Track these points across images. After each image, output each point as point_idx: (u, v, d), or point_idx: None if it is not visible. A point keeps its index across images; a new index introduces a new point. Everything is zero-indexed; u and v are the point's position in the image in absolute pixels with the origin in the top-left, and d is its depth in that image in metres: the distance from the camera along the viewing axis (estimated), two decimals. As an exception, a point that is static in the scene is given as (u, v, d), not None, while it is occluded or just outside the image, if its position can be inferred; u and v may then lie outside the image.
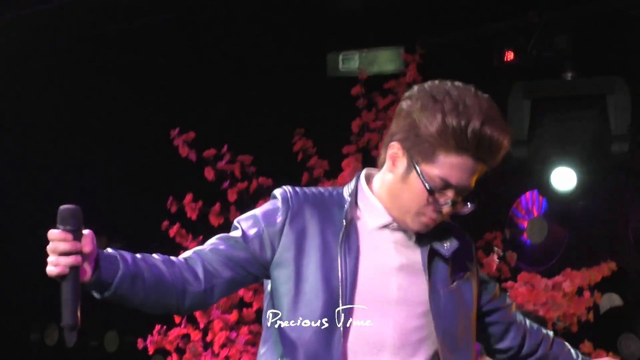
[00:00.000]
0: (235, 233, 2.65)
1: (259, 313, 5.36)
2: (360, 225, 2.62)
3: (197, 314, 5.44)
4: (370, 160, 5.38)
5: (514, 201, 6.27)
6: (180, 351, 5.45)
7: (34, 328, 7.08)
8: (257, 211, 2.67)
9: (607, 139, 5.53)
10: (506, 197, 6.22)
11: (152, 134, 5.84)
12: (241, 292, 5.42)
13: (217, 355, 5.40)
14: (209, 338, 5.44)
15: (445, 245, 2.66)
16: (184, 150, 5.42)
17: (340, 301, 2.54)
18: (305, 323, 2.56)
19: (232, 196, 5.43)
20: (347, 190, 2.68)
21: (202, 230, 5.55)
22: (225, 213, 5.46)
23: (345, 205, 2.62)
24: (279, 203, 2.63)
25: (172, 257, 2.64)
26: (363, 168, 5.59)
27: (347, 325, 2.55)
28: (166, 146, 5.48)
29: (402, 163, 2.57)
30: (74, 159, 6.33)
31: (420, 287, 2.61)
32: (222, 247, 2.63)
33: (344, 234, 2.58)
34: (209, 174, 5.40)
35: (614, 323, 5.93)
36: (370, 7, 5.86)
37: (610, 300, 6.05)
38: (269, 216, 2.63)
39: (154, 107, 6.37)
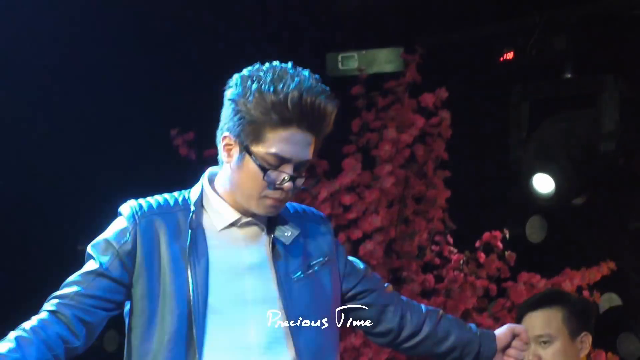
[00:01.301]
0: (92, 265, 2.61)
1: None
2: (207, 229, 2.61)
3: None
4: (370, 160, 5.38)
5: (512, 202, 6.27)
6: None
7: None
8: (107, 233, 2.64)
9: (597, 139, 5.55)
10: (506, 197, 6.22)
11: (152, 134, 5.84)
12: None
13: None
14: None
15: (286, 233, 2.62)
16: (183, 149, 5.42)
17: (193, 311, 2.51)
18: (160, 340, 2.53)
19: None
20: (190, 195, 2.67)
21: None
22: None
23: (191, 214, 2.60)
24: (126, 221, 2.62)
25: (31, 327, 2.56)
26: (363, 168, 5.61)
27: (204, 333, 2.52)
28: (166, 146, 5.48)
29: (236, 151, 2.58)
30: (74, 159, 6.32)
31: (272, 282, 2.59)
32: (85, 289, 2.58)
33: (190, 243, 2.56)
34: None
35: (613, 323, 5.93)
36: (369, 7, 5.86)
37: (610, 300, 6.05)
38: (119, 237, 2.61)
39: (153, 106, 6.36)
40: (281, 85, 2.51)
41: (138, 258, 2.57)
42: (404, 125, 5.22)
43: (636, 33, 5.53)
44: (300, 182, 2.57)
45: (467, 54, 6.03)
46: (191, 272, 2.53)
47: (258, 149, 2.53)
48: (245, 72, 2.60)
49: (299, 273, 2.61)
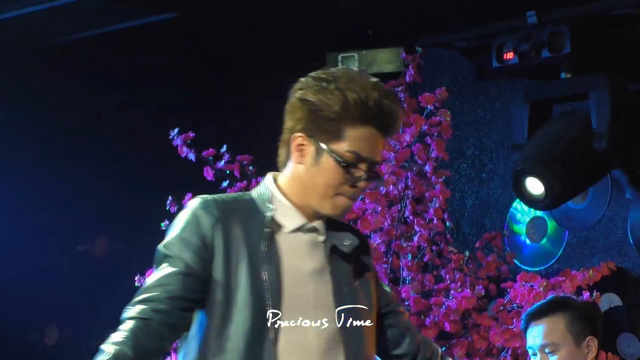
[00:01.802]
0: (174, 265, 2.59)
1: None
2: (278, 230, 2.64)
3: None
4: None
5: (512, 202, 6.26)
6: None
7: (32, 328, 7.08)
8: (181, 231, 2.63)
9: (589, 138, 5.55)
10: (506, 197, 6.22)
11: (152, 134, 5.84)
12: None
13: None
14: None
15: (345, 242, 2.68)
16: (182, 150, 5.42)
17: (268, 310, 2.55)
18: (235, 332, 2.55)
19: (231, 196, 5.43)
20: (259, 196, 2.68)
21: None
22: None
23: (267, 213, 2.62)
24: (200, 216, 2.62)
25: (126, 340, 2.56)
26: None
27: (277, 333, 2.56)
28: (166, 146, 5.47)
29: (310, 150, 2.61)
30: (74, 159, 6.32)
31: (329, 288, 2.65)
32: (174, 291, 2.57)
33: (265, 242, 2.59)
34: (208, 174, 5.40)
35: (613, 323, 5.93)
36: (370, 7, 5.86)
37: (610, 301, 6.05)
38: (195, 232, 2.61)
39: (153, 107, 6.37)
40: (360, 85, 2.57)
41: (215, 252, 2.58)
42: (404, 125, 5.21)
43: (635, 33, 5.53)
44: (372, 181, 2.62)
45: (467, 55, 6.03)
46: (267, 271, 2.56)
47: (336, 147, 2.58)
48: (314, 74, 2.66)
49: (352, 281, 2.67)
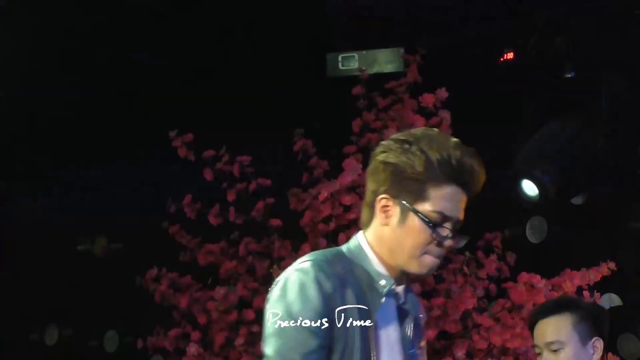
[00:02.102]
0: (310, 339, 2.58)
1: (259, 313, 5.36)
2: (378, 291, 2.68)
3: (197, 314, 5.44)
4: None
5: (513, 202, 6.27)
6: (180, 351, 5.46)
7: (33, 328, 7.08)
8: (304, 297, 2.60)
9: (595, 138, 5.56)
10: (506, 197, 6.22)
11: (152, 135, 5.84)
12: (241, 292, 5.43)
13: (217, 355, 5.40)
14: (208, 338, 5.45)
15: (421, 315, 2.80)
16: (182, 151, 5.42)
17: None
18: None
19: (231, 196, 5.44)
20: (355, 257, 2.70)
21: (201, 229, 5.56)
22: (224, 213, 5.47)
23: (383, 283, 2.65)
24: (324, 282, 2.60)
25: None
26: (363, 168, 5.60)
27: None
28: (166, 146, 5.48)
29: (395, 211, 2.65)
30: (74, 160, 6.33)
31: (400, 356, 2.72)
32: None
33: (375, 306, 2.64)
34: (208, 174, 5.41)
35: (613, 323, 5.93)
36: (370, 7, 5.86)
37: (610, 301, 6.05)
38: (319, 301, 2.59)
39: (153, 108, 6.37)
40: (442, 146, 2.63)
41: (335, 321, 2.60)
42: (405, 125, 5.21)
43: (636, 33, 5.54)
44: (457, 240, 2.67)
45: (467, 54, 6.03)
46: (373, 339, 2.63)
47: (421, 207, 2.62)
48: (395, 137, 2.70)
49: (413, 351, 2.75)
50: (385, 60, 5.99)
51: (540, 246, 6.31)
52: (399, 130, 5.25)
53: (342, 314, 2.59)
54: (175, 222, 5.53)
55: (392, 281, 2.67)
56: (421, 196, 2.62)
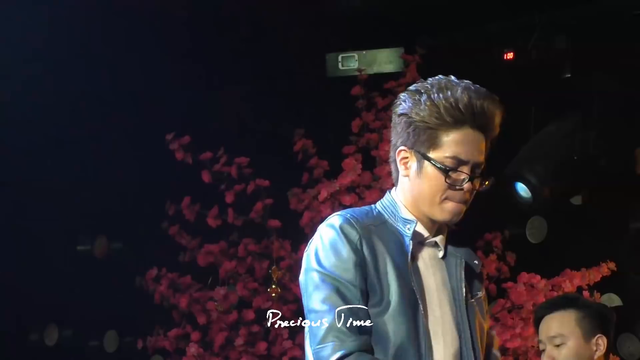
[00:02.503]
0: (344, 290, 2.64)
1: (258, 313, 5.37)
2: (412, 241, 2.73)
3: (197, 314, 5.45)
4: (371, 160, 5.38)
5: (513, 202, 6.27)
6: (180, 351, 5.46)
7: (33, 328, 7.08)
8: (335, 251, 2.67)
9: (594, 139, 5.57)
10: (506, 198, 6.22)
11: (152, 136, 5.84)
12: (241, 292, 5.43)
13: (217, 355, 5.40)
14: (208, 338, 5.45)
15: (475, 261, 2.82)
16: (179, 154, 5.42)
17: (421, 324, 2.65)
18: (384, 352, 2.63)
19: (229, 198, 5.44)
20: (385, 209, 2.77)
21: (201, 230, 5.56)
22: (223, 215, 5.48)
23: (408, 227, 2.71)
24: (348, 233, 2.68)
25: None
26: (363, 168, 5.60)
27: (430, 347, 2.66)
28: (165, 148, 5.48)
29: (413, 161, 2.72)
30: (74, 160, 6.32)
31: (449, 303, 2.74)
32: (364, 318, 2.64)
33: (411, 255, 2.69)
34: (206, 176, 5.41)
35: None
36: (370, 7, 5.86)
37: (610, 301, 6.05)
38: (350, 250, 2.66)
39: (152, 109, 6.36)
40: (449, 92, 2.68)
41: (367, 266, 2.66)
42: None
43: (636, 33, 5.53)
44: (477, 182, 2.70)
45: (467, 55, 6.02)
46: (415, 284, 2.66)
47: (436, 154, 2.68)
48: (411, 88, 2.76)
49: (468, 299, 2.76)
50: (384, 61, 5.99)
51: (540, 246, 6.31)
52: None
53: (373, 263, 2.65)
54: (175, 223, 5.54)
55: (414, 223, 2.71)
56: (434, 144, 2.67)
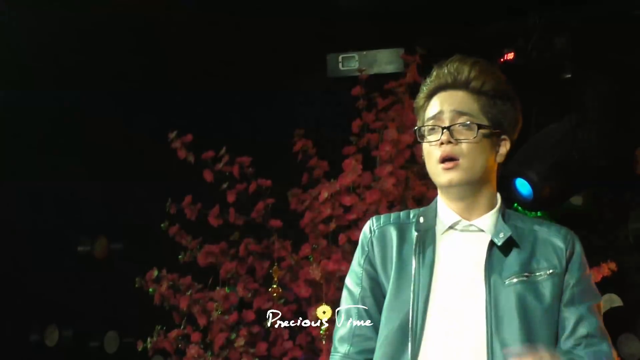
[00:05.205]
0: (352, 288, 2.82)
1: (259, 314, 5.37)
2: (437, 231, 2.78)
3: (197, 315, 5.44)
4: (371, 160, 5.38)
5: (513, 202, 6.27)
6: (180, 352, 5.46)
7: (33, 329, 7.08)
8: (358, 249, 2.87)
9: (585, 139, 5.57)
10: (506, 197, 6.21)
11: (152, 136, 5.85)
12: (241, 292, 5.43)
13: (217, 356, 5.40)
14: (208, 339, 5.44)
15: (500, 235, 2.74)
16: (182, 152, 5.43)
17: (411, 312, 2.66)
18: (384, 334, 2.70)
19: (231, 197, 5.44)
20: (428, 206, 2.91)
21: (202, 230, 5.56)
22: (224, 214, 5.48)
23: (421, 218, 2.80)
24: (363, 235, 2.86)
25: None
26: (363, 168, 5.60)
27: (422, 327, 2.65)
28: (166, 148, 5.48)
29: (420, 147, 2.82)
30: (74, 160, 6.33)
31: (482, 283, 2.68)
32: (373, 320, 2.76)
33: (416, 244, 2.74)
34: (208, 175, 5.41)
35: (613, 323, 5.93)
36: (370, 7, 5.86)
37: (610, 301, 6.05)
38: (360, 251, 2.84)
39: (152, 109, 6.37)
40: (429, 75, 2.82)
41: (375, 262, 2.78)
42: (405, 125, 5.22)
43: (636, 33, 5.54)
44: (457, 130, 2.72)
45: (467, 55, 6.02)
46: (415, 271, 2.69)
47: (419, 124, 2.82)
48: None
49: (512, 278, 2.69)
50: (385, 61, 5.99)
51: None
52: (398, 130, 5.26)
53: (381, 258, 2.76)
54: (176, 223, 5.53)
55: (456, 217, 2.76)
56: (420, 120, 2.81)
